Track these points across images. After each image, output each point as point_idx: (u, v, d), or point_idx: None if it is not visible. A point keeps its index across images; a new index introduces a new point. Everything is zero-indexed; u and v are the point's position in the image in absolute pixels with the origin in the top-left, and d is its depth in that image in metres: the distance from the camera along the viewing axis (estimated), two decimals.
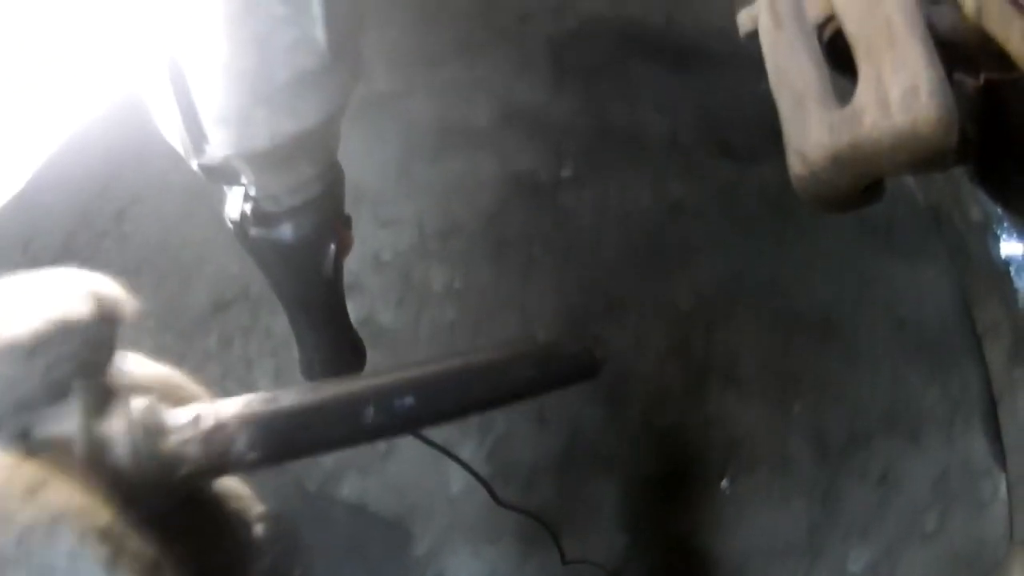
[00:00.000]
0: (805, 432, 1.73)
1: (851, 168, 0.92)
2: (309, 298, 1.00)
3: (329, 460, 1.64)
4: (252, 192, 0.85)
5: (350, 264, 1.60)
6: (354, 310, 1.78)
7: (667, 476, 1.72)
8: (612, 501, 1.68)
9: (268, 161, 0.80)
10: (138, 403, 0.53)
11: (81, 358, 0.51)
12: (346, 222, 0.96)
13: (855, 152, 0.90)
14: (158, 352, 0.60)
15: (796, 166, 0.97)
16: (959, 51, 0.89)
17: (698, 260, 1.90)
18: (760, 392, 1.77)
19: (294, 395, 0.57)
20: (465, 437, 1.70)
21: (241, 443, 0.54)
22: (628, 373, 1.80)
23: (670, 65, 2.23)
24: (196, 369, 1.64)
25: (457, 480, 1.62)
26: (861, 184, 0.94)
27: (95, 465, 0.50)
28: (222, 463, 0.55)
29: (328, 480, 1.67)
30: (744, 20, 1.06)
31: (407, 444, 1.67)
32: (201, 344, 1.78)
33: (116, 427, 0.51)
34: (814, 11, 0.98)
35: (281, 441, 0.56)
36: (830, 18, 0.95)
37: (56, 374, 0.50)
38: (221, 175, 0.82)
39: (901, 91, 0.86)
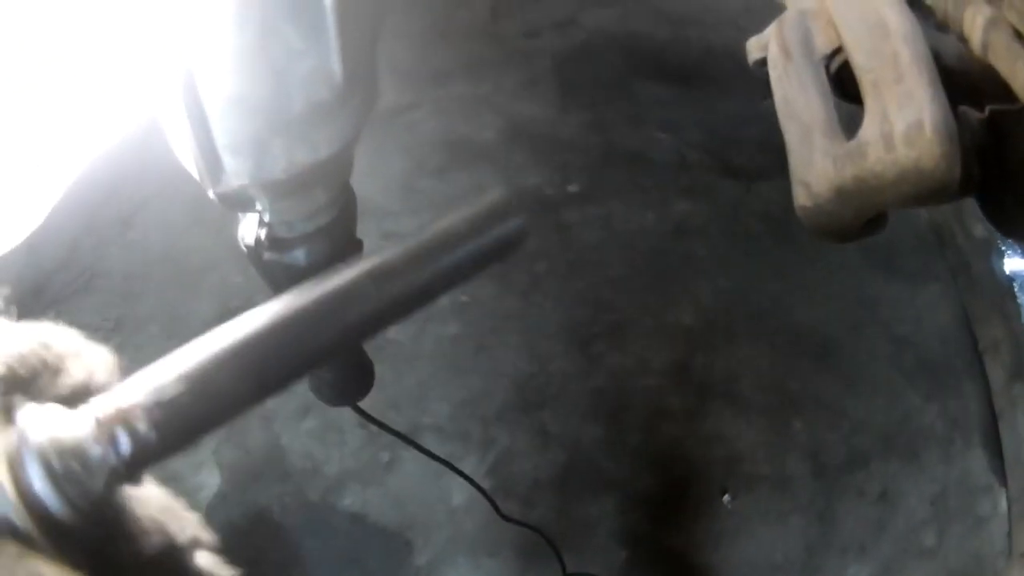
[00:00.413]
0: (804, 450, 1.75)
1: (855, 200, 0.93)
2: None
3: (331, 471, 1.67)
4: (266, 218, 0.87)
5: None
6: None
7: (667, 492, 1.74)
8: (612, 516, 1.71)
9: (284, 189, 0.81)
10: (34, 427, 0.45)
11: None
12: (357, 245, 0.97)
13: (859, 185, 0.91)
14: None
15: (801, 197, 0.98)
16: (964, 81, 0.90)
17: (700, 279, 1.92)
18: (760, 410, 1.79)
19: (190, 360, 0.50)
20: (467, 452, 1.73)
21: (149, 435, 0.47)
22: (629, 391, 1.82)
23: (675, 82, 2.26)
24: None
25: (458, 493, 1.65)
26: (865, 216, 0.96)
27: (43, 531, 0.44)
28: (135, 464, 0.48)
29: (329, 490, 1.69)
30: (753, 48, 1.07)
31: (409, 457, 1.69)
32: None
33: (33, 475, 0.44)
34: (822, 42, 0.99)
35: (185, 423, 0.49)
36: (838, 49, 0.97)
37: None
38: (236, 203, 0.84)
39: (905, 126, 0.87)
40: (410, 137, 2.16)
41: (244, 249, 0.90)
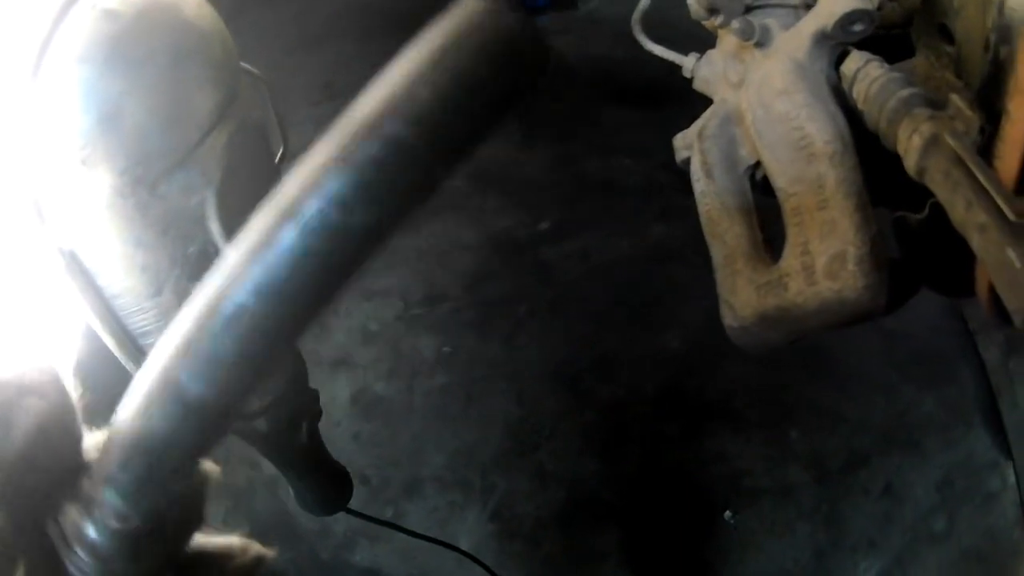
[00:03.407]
0: (804, 458, 1.99)
1: (779, 327, 0.99)
2: (291, 461, 1.21)
3: (339, 529, 1.92)
4: None
5: (340, 339, 1.88)
6: (348, 383, 2.07)
7: (671, 517, 1.97)
8: (618, 546, 1.94)
9: None
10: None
11: None
12: (314, 397, 1.16)
13: (781, 314, 0.97)
14: None
15: (727, 317, 1.05)
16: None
17: (684, 302, 2.15)
18: (757, 425, 2.03)
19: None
20: (469, 499, 1.97)
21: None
22: (623, 422, 2.06)
23: (639, 103, 2.48)
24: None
25: (465, 540, 1.88)
26: (792, 338, 1.02)
27: None
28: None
29: (340, 548, 1.92)
30: (679, 145, 1.13)
31: (413, 509, 1.94)
32: None
33: None
34: (747, 152, 1.03)
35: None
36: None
37: None
38: None
39: (827, 259, 0.90)
40: None
41: None
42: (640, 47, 1.20)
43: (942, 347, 2.04)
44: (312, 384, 1.16)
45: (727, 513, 1.94)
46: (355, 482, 1.97)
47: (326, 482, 1.29)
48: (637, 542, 1.94)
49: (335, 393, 2.05)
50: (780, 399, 2.07)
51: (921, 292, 2.16)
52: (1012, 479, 1.86)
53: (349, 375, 2.09)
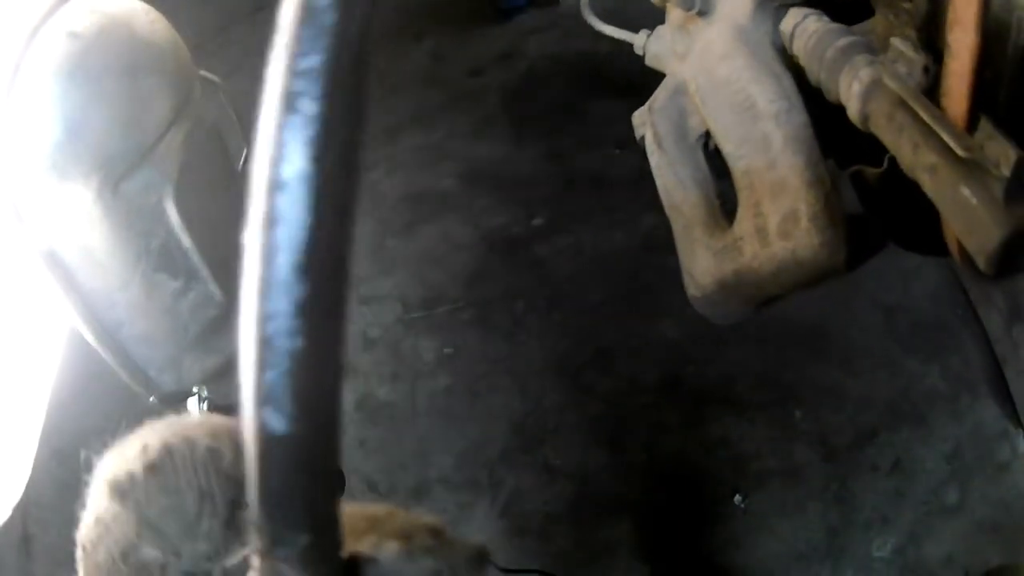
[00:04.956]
0: (810, 437, 1.98)
1: (738, 292, 0.99)
2: None
3: None
4: (204, 395, 1.17)
5: None
6: (351, 390, 2.07)
7: (680, 504, 1.97)
8: (629, 536, 1.92)
9: (207, 381, 1.10)
10: None
11: None
12: None
13: (739, 279, 0.96)
14: None
15: (689, 287, 1.07)
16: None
17: (677, 290, 2.12)
18: (759, 407, 2.03)
19: None
20: (477, 497, 1.96)
21: None
22: (626, 412, 2.06)
23: (624, 94, 2.49)
24: None
25: (480, 533, 1.88)
26: (754, 303, 1.02)
27: None
28: None
29: None
30: (637, 122, 1.14)
31: (426, 500, 1.95)
32: None
33: None
34: (697, 122, 1.02)
35: None
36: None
37: None
38: (176, 400, 1.11)
39: (780, 218, 0.89)
40: (370, 197, 2.42)
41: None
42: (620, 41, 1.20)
43: (943, 318, 2.05)
44: None
45: (737, 497, 1.94)
46: (363, 488, 2.00)
47: None
48: (648, 532, 1.94)
49: None
50: (781, 380, 2.07)
51: (918, 263, 2.15)
52: (1022, 448, 1.88)
53: (352, 382, 2.09)
